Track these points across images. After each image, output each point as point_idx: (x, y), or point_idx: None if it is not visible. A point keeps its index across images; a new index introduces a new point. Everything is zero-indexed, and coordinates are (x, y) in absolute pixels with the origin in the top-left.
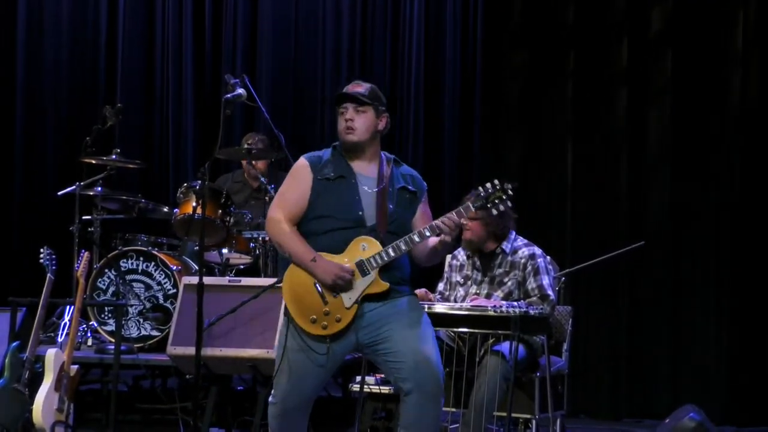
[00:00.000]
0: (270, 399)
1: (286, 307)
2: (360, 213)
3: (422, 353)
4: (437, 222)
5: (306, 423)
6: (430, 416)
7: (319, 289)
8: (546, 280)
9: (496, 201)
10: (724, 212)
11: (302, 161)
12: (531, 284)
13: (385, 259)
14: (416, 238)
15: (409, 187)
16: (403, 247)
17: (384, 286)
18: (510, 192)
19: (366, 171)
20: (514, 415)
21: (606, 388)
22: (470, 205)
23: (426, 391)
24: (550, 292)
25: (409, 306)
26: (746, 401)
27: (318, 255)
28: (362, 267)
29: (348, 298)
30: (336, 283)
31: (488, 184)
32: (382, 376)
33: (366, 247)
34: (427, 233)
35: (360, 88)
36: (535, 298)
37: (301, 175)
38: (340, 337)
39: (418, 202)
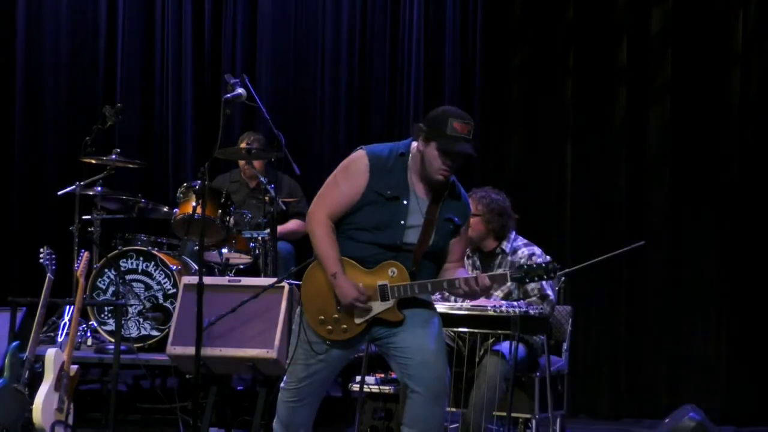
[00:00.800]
0: (282, 384)
1: (300, 297)
2: (398, 242)
3: (431, 352)
4: (473, 283)
5: (314, 412)
6: (433, 416)
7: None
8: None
9: (536, 279)
10: (723, 212)
11: (363, 160)
12: (531, 284)
13: (409, 293)
14: (445, 285)
15: (455, 219)
16: (430, 289)
17: (399, 317)
18: (554, 274)
19: (424, 194)
20: (513, 414)
21: (606, 388)
22: (508, 275)
23: (431, 391)
24: (549, 291)
25: (422, 302)
26: (746, 401)
27: (341, 272)
28: (384, 291)
29: (359, 316)
30: (349, 306)
31: (540, 260)
32: (383, 375)
33: (394, 274)
34: (457, 286)
35: (469, 131)
36: (534, 298)
37: (357, 176)
38: (341, 347)
39: (458, 232)
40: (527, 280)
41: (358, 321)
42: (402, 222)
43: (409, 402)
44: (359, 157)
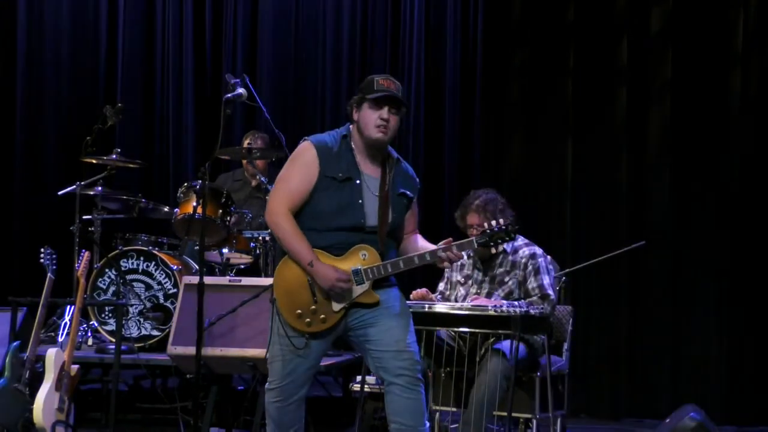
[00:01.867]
0: (267, 385)
1: (273, 296)
2: (361, 220)
3: (404, 342)
4: (441, 253)
5: (303, 410)
6: (413, 404)
7: (312, 286)
8: (546, 280)
9: (499, 241)
10: (724, 212)
11: (311, 149)
12: (531, 283)
13: (383, 273)
14: (416, 261)
15: (408, 193)
16: (402, 266)
17: (375, 297)
18: (513, 236)
19: (373, 172)
20: (514, 414)
21: (606, 388)
22: (474, 241)
23: (406, 380)
24: (550, 291)
25: (395, 296)
26: (747, 401)
27: (316, 259)
28: (358, 275)
29: (337, 303)
30: (333, 290)
31: (494, 223)
32: None
33: (366, 257)
34: (428, 258)
35: (396, 88)
36: (535, 298)
37: (308, 166)
38: (321, 337)
39: (411, 205)
40: (492, 244)
41: (336, 308)
42: (360, 201)
43: (387, 396)
44: (306, 148)
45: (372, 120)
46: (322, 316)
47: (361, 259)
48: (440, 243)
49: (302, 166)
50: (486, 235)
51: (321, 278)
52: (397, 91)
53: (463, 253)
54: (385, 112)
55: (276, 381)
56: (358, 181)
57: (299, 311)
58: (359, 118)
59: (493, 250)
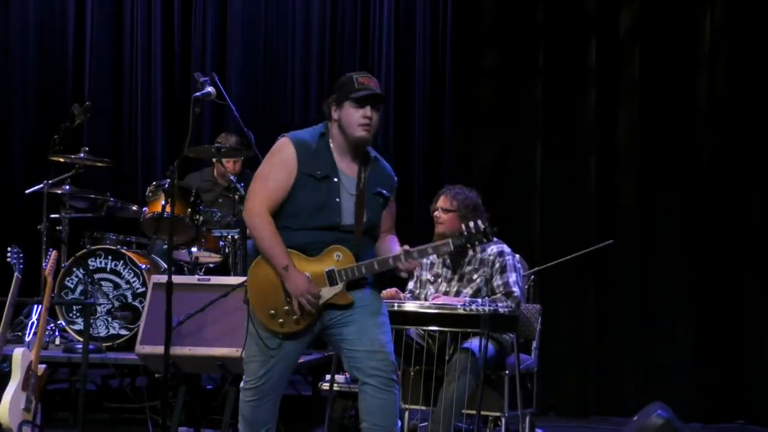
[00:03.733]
0: (242, 384)
1: (246, 296)
2: (338, 219)
3: (379, 342)
4: (399, 264)
5: (277, 408)
6: (387, 405)
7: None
8: (512, 278)
9: (476, 243)
10: (691, 212)
11: (289, 147)
12: (497, 281)
13: (356, 275)
14: (391, 263)
15: (384, 192)
16: (376, 268)
17: (349, 299)
18: (491, 237)
19: (350, 171)
20: (483, 412)
21: (575, 386)
22: (450, 243)
23: (381, 380)
24: (515, 289)
25: (370, 295)
26: (713, 398)
27: (291, 265)
28: (332, 276)
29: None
30: (299, 300)
31: (472, 224)
32: None
33: (340, 258)
34: (404, 260)
35: (376, 85)
36: (499, 295)
37: (287, 164)
38: (294, 338)
39: (387, 204)
40: (469, 246)
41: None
42: (337, 200)
43: (361, 395)
44: (284, 145)
45: (355, 119)
46: (295, 316)
47: (335, 260)
48: (399, 249)
49: (280, 162)
50: (463, 237)
51: (291, 285)
52: (377, 88)
53: (427, 252)
54: (368, 110)
55: (252, 381)
56: (336, 180)
57: (272, 311)
58: (341, 117)
59: (471, 252)
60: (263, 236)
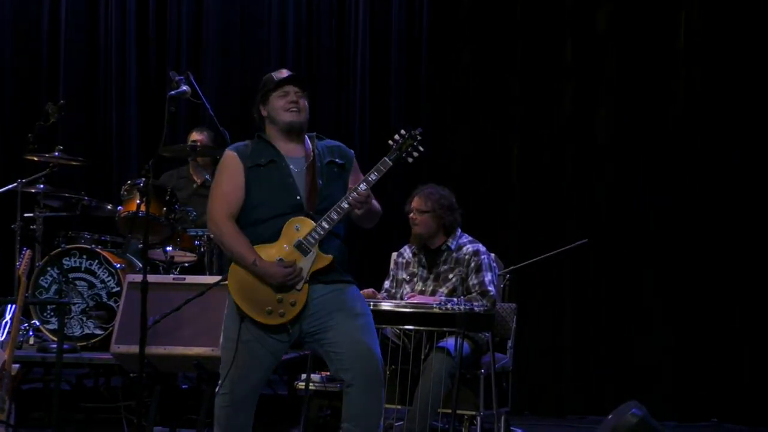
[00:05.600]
0: (217, 390)
1: (234, 303)
2: (298, 197)
3: (364, 344)
4: (349, 199)
5: (252, 414)
6: (371, 408)
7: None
8: (488, 277)
9: (410, 149)
10: (668, 209)
11: (229, 153)
12: (472, 280)
13: (321, 233)
14: (345, 205)
15: (337, 160)
16: (335, 216)
17: (328, 258)
18: (419, 137)
19: (293, 153)
20: (458, 411)
21: (550, 385)
22: (386, 159)
23: (366, 382)
24: (491, 288)
25: (353, 296)
26: (688, 397)
27: (258, 258)
28: (302, 247)
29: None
30: (284, 283)
31: (397, 136)
32: (328, 373)
33: (299, 228)
34: (353, 196)
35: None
36: (474, 294)
37: (231, 167)
38: (298, 320)
39: (347, 173)
40: (404, 155)
41: (299, 287)
42: (290, 179)
43: (346, 397)
44: (226, 156)
45: (281, 105)
46: (291, 300)
47: (295, 232)
48: (350, 192)
49: (226, 169)
50: (395, 150)
51: (267, 277)
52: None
53: (370, 180)
54: (292, 94)
55: (227, 386)
56: (283, 163)
57: (268, 308)
58: (269, 112)
59: (410, 159)
60: (225, 241)
